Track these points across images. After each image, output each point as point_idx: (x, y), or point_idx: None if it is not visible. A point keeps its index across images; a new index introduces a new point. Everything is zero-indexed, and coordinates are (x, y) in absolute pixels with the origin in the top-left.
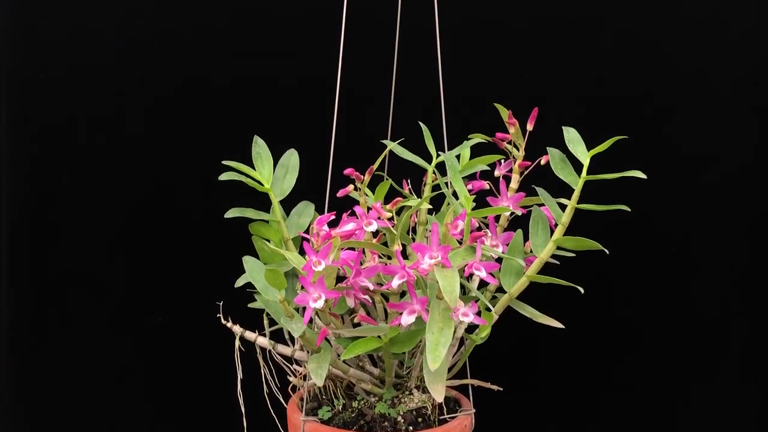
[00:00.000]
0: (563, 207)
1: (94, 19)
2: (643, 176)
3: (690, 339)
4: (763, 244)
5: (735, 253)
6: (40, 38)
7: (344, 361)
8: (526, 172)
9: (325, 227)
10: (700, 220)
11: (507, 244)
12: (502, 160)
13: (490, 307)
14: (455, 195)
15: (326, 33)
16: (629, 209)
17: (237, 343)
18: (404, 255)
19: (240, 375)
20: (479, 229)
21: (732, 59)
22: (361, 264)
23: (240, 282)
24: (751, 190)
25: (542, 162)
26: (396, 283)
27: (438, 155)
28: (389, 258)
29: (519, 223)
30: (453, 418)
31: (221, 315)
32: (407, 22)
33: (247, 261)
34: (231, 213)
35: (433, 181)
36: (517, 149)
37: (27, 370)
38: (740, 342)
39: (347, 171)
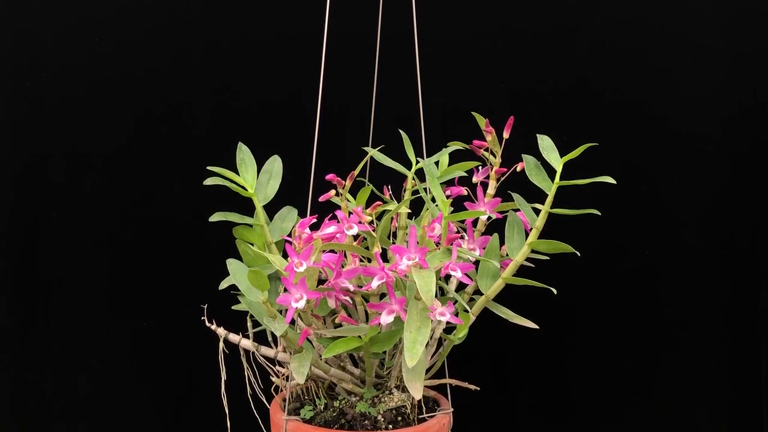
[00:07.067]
0: (537, 212)
1: (80, 27)
2: (613, 181)
3: (658, 338)
4: (729, 245)
5: (703, 253)
6: (27, 45)
7: (326, 361)
8: (502, 179)
9: (307, 230)
10: (665, 224)
11: (484, 248)
12: (480, 167)
13: (468, 308)
14: (434, 200)
15: (310, 42)
16: (599, 213)
17: (221, 345)
18: (385, 259)
19: (224, 377)
20: (457, 233)
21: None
22: (342, 266)
23: (224, 284)
24: (718, 191)
25: (518, 169)
26: (375, 283)
27: (417, 162)
28: (369, 261)
29: (495, 227)
30: (432, 417)
31: (205, 318)
32: (387, 34)
33: (231, 263)
34: (215, 217)
35: (412, 187)
36: (494, 156)
37: (16, 373)
38: (710, 343)
39: (329, 176)
